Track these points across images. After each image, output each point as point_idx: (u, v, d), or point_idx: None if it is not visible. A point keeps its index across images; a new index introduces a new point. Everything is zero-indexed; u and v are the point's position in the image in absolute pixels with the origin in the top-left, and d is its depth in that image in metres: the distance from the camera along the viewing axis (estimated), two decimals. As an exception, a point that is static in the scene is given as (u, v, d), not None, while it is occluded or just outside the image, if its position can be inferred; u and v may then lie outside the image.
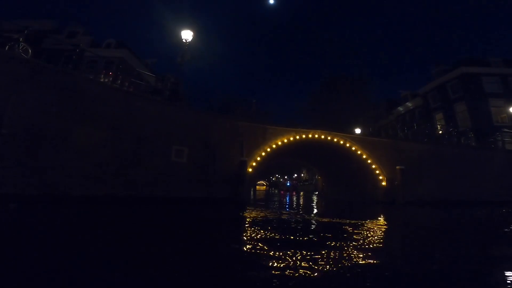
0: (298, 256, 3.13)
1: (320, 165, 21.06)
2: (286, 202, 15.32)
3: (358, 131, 23.63)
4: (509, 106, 20.37)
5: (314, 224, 6.39)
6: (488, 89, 22.79)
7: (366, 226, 5.77)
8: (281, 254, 3.21)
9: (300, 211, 9.89)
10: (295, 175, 53.22)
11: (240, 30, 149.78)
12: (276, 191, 38.13)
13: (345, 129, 18.28)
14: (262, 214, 7.50)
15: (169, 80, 11.32)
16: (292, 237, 4.37)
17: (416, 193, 12.87)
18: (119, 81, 10.15)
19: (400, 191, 12.56)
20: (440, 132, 22.33)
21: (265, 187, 64.59)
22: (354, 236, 4.55)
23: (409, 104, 29.67)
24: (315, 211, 10.21)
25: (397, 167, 12.76)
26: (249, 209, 8.62)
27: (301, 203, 15.18)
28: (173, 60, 11.87)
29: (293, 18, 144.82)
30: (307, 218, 7.52)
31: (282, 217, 7.34)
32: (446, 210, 11.00)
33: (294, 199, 18.79)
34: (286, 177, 58.27)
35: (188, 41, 11.69)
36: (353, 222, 6.31)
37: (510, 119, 21.29)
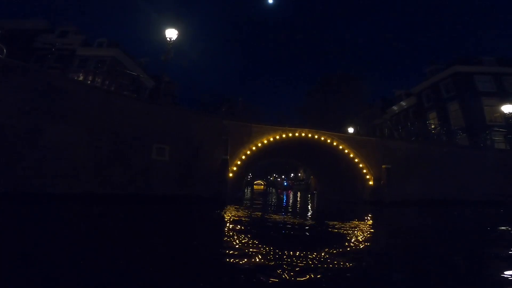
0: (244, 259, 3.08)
1: (313, 165, 21.00)
2: (272, 202, 15.18)
3: (351, 130, 23.54)
4: (502, 105, 20.24)
5: (281, 225, 6.04)
6: (481, 88, 22.69)
7: (327, 229, 5.67)
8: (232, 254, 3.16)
9: (278, 211, 9.79)
10: (292, 174, 53.35)
11: (237, 30, 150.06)
12: (273, 190, 38.15)
13: (340, 129, 18.18)
14: (237, 214, 7.44)
15: (164, 80, 11.32)
16: (245, 239, 4.32)
17: (403, 192, 12.76)
18: (99, 79, 10.12)
19: (386, 191, 12.47)
20: (433, 132, 22.23)
21: (263, 186, 64.41)
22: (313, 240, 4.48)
23: (403, 103, 29.58)
24: (296, 211, 10.10)
25: (383, 166, 12.67)
26: (227, 209, 8.52)
27: (288, 203, 15.09)
28: (168, 60, 11.83)
29: (288, 18, 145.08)
30: (280, 219, 7.26)
31: (254, 216, 7.25)
32: (429, 210, 10.92)
33: (284, 198, 18.72)
34: (283, 176, 58.33)
35: (172, 39, 11.67)
36: (312, 223, 6.23)
37: (503, 118, 21.15)
